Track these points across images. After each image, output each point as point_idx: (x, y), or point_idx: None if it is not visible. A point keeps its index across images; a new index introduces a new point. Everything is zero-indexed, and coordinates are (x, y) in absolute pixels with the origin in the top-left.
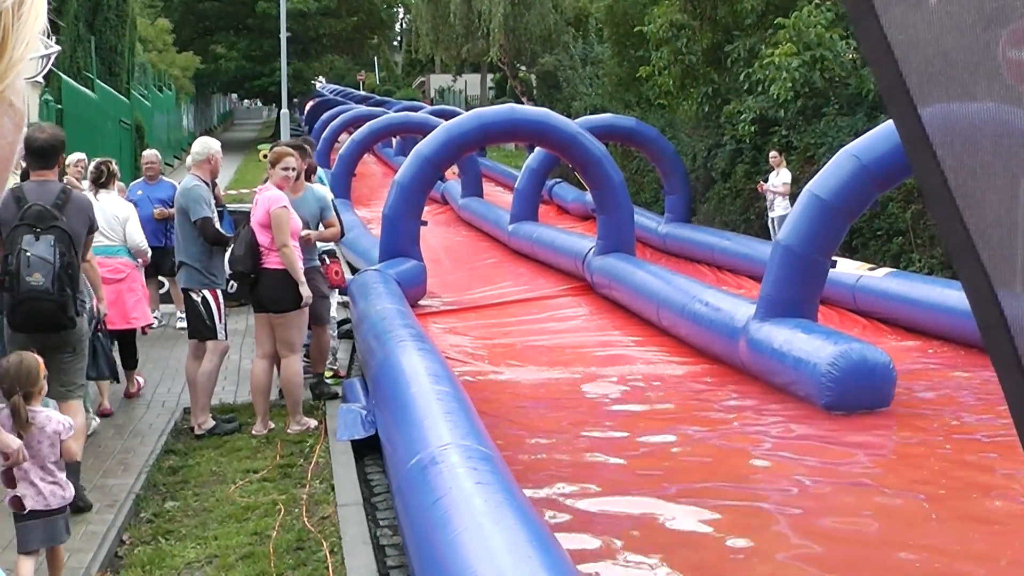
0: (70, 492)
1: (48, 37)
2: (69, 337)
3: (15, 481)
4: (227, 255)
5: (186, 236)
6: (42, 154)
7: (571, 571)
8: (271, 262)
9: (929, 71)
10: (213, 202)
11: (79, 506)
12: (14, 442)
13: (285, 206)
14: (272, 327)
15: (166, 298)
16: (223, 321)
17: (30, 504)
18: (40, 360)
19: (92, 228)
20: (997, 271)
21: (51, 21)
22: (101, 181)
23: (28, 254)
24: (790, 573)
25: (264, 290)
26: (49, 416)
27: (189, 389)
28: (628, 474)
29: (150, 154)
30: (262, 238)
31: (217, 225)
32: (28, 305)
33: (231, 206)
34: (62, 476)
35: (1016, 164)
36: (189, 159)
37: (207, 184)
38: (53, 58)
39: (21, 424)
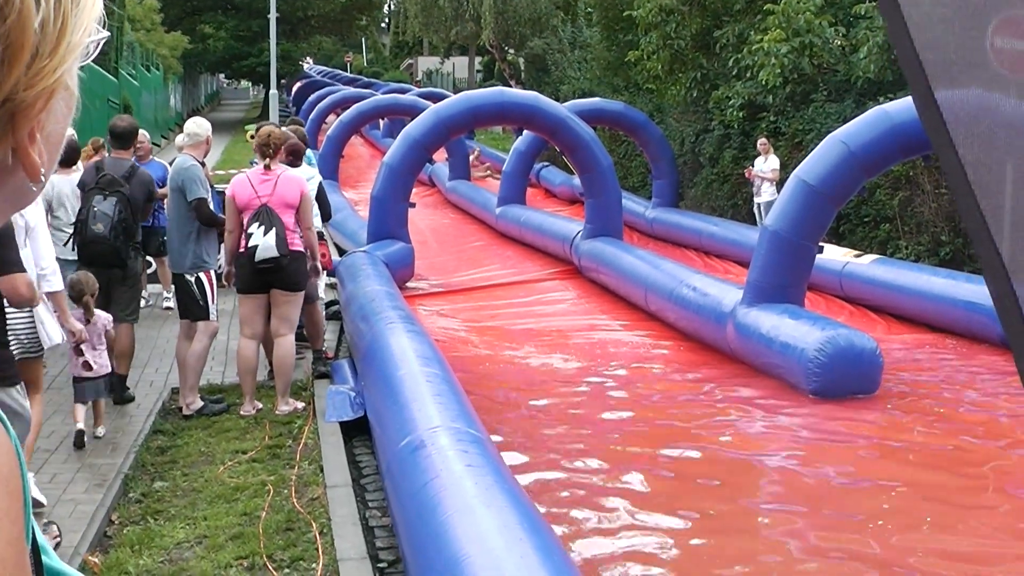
0: (109, 365)
1: (102, 24)
2: (125, 274)
3: (82, 353)
4: (267, 240)
5: (180, 216)
6: (121, 137)
7: (561, 553)
8: (296, 244)
9: (948, 70)
10: (207, 182)
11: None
12: (77, 325)
13: (309, 190)
14: (271, 307)
15: (152, 278)
16: (215, 302)
17: (98, 368)
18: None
19: (151, 197)
20: (1007, 250)
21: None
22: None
23: (95, 210)
24: (769, 551)
25: (289, 272)
26: (99, 314)
27: (178, 370)
28: (615, 457)
29: (141, 134)
30: (288, 219)
31: (210, 206)
32: (91, 247)
33: (218, 186)
34: (105, 353)
35: (1003, 149)
36: (182, 139)
37: (201, 164)
38: (102, 43)
39: (89, 316)
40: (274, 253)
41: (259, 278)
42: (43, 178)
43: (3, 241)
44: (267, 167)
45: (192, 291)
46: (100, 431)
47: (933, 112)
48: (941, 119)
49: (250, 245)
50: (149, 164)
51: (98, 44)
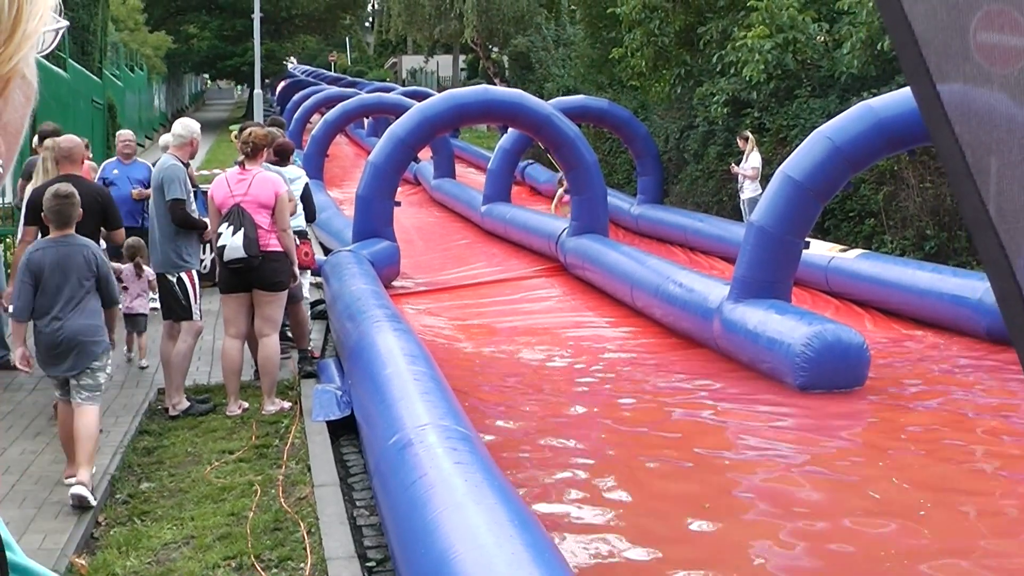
0: (147, 307)
1: (60, 11)
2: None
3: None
4: (234, 240)
5: (162, 216)
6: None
7: (552, 549)
8: (271, 244)
9: (947, 50)
10: (190, 184)
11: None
12: (117, 266)
13: (287, 190)
14: (253, 306)
15: None
16: (198, 301)
17: (140, 309)
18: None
19: None
20: (1012, 243)
21: None
22: None
23: None
24: (759, 545)
25: (265, 272)
26: (146, 269)
27: (163, 370)
28: (603, 452)
29: (128, 133)
30: (261, 219)
31: (192, 207)
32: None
33: (204, 187)
34: (147, 298)
35: (986, 141)
36: (168, 139)
37: (185, 165)
38: (62, 32)
39: (139, 273)
40: (240, 254)
41: (237, 277)
42: (1, 168)
43: (113, 206)
44: (242, 165)
45: (174, 291)
46: (144, 362)
47: (924, 81)
48: (933, 87)
49: (218, 245)
50: (133, 164)
51: (57, 33)
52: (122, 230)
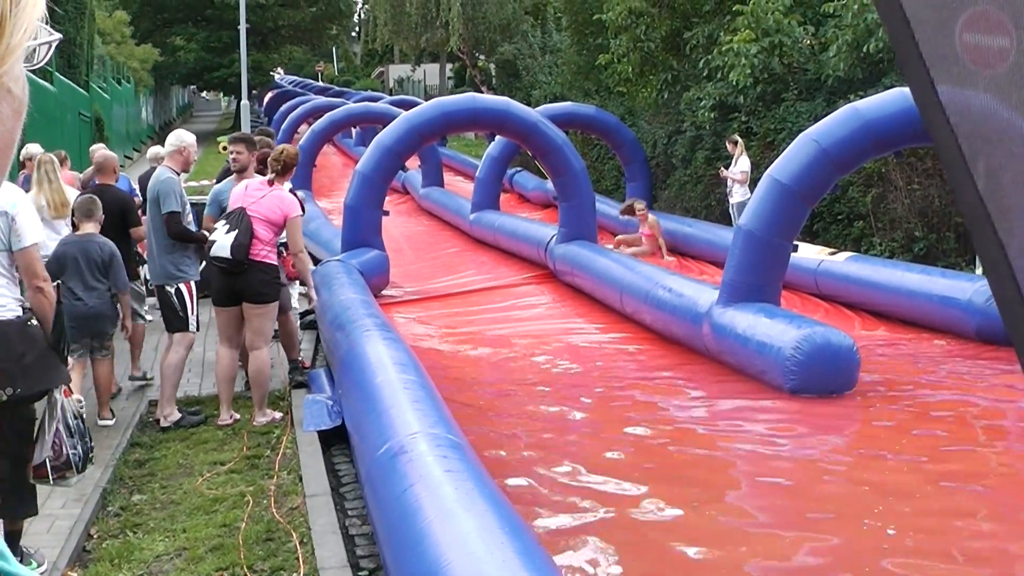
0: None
1: (48, 24)
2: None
3: None
4: (224, 240)
5: (158, 227)
6: None
7: (543, 556)
8: (263, 255)
9: (935, 50)
10: (185, 195)
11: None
12: None
13: (300, 214)
14: (243, 318)
15: None
16: (195, 312)
17: None
18: None
19: None
20: (1010, 241)
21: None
22: None
23: None
24: (750, 546)
25: (251, 282)
26: None
27: (161, 382)
28: (593, 457)
29: (101, 147)
30: (262, 232)
31: (189, 219)
32: None
33: (192, 198)
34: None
35: (973, 143)
36: (158, 151)
37: (178, 175)
38: (55, 46)
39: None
40: (225, 253)
41: (224, 280)
42: None
43: (134, 208)
44: (270, 181)
45: (171, 302)
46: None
47: (920, 72)
48: (930, 79)
49: (210, 239)
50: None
51: (49, 47)
52: (141, 228)
